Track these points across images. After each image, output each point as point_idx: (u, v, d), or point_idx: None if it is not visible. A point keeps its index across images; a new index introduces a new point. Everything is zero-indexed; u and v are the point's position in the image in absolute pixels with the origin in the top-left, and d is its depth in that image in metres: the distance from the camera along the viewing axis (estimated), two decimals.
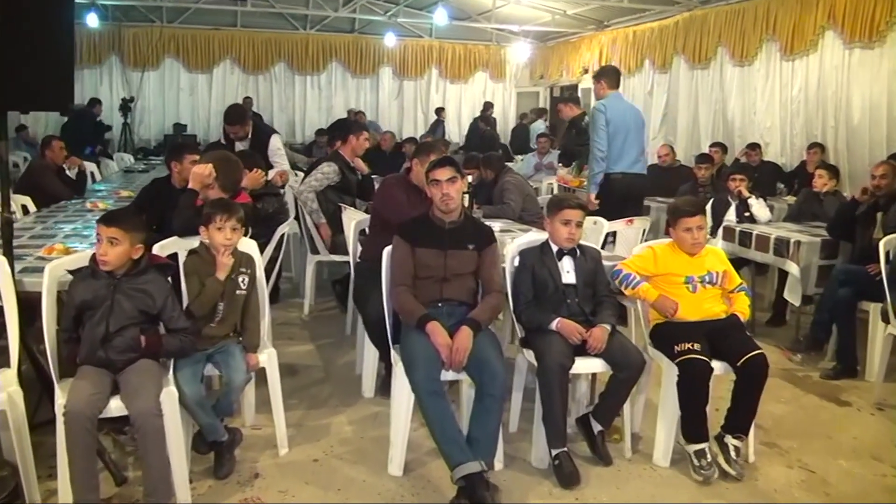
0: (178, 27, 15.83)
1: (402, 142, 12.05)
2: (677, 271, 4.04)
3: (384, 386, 4.64)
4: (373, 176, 8.19)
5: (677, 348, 3.76)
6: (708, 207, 6.89)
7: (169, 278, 3.59)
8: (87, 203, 6.40)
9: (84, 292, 3.33)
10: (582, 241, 4.10)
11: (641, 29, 13.61)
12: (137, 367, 3.29)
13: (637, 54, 13.71)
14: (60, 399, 3.15)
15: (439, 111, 16.82)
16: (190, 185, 4.30)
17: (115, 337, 3.29)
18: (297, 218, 7.11)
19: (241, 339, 3.76)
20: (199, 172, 4.27)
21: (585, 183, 7.54)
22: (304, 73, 16.89)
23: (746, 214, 6.67)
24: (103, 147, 13.44)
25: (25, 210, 6.36)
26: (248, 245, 3.97)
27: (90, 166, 10.33)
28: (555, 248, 4.02)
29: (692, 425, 3.80)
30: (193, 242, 3.94)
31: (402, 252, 3.85)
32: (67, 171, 7.51)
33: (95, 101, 13.66)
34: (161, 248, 3.94)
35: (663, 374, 3.93)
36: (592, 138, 6.96)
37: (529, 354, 3.89)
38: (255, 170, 5.23)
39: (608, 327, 3.82)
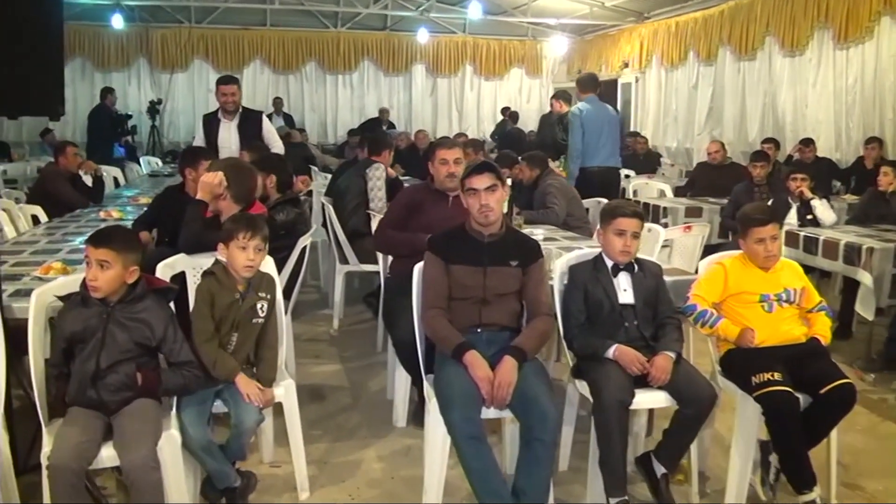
0: (206, 27, 15.53)
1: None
2: (750, 289, 3.53)
3: (417, 414, 4.21)
4: (405, 178, 7.79)
5: (755, 380, 3.24)
6: None
7: (171, 303, 3.16)
8: (101, 212, 6.01)
9: (74, 322, 2.92)
10: (639, 255, 3.61)
11: (684, 20, 13.03)
12: (133, 410, 2.87)
13: (680, 46, 13.13)
14: (46, 446, 2.74)
15: (505, 111, 16.27)
16: (198, 195, 3.87)
17: (108, 374, 2.87)
18: (324, 225, 6.71)
19: (255, 370, 3.32)
20: (209, 181, 3.84)
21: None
22: (336, 73, 16.51)
23: (809, 217, 6.13)
24: (129, 139, 13.01)
25: (36, 220, 5.99)
26: (267, 264, 3.52)
27: (113, 171, 10.04)
28: (609, 264, 3.53)
29: (796, 470, 3.28)
30: (201, 261, 3.52)
31: (435, 270, 3.39)
32: (84, 177, 7.13)
33: (106, 92, 13.05)
34: (165, 268, 3.52)
35: (737, 407, 3.43)
36: (570, 138, 7.78)
37: (583, 387, 3.40)
38: (300, 176, 4.94)
39: (672, 355, 3.32)
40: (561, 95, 9.01)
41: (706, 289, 3.60)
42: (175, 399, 3.07)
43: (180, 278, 3.61)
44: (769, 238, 3.52)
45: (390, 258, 4.62)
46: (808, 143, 9.46)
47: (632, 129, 14.32)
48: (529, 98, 17.41)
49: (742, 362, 3.40)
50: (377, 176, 6.24)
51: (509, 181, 6.15)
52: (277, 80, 16.21)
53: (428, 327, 3.34)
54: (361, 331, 6.21)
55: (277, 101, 15.15)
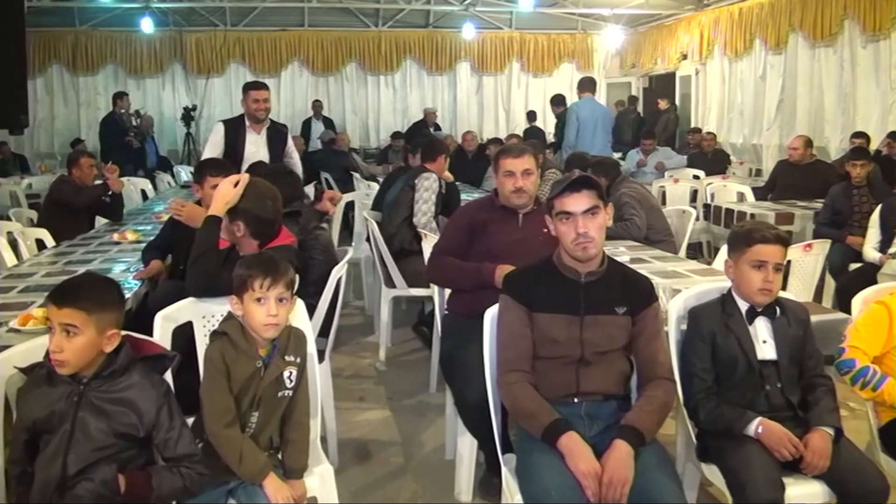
0: (242, 30, 14.88)
1: (487, 143, 10.71)
2: None
3: (486, 483, 3.40)
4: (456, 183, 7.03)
5: None
6: (875, 216, 5.52)
7: (168, 374, 2.39)
8: (115, 234, 5.28)
9: (36, 406, 2.17)
10: (782, 293, 2.76)
11: (749, 5, 12.03)
12: None
13: (745, 34, 12.13)
14: None
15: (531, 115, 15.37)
16: (211, 211, 3.07)
17: (79, 480, 2.11)
18: (368, 239, 5.93)
19: (279, 457, 2.53)
20: (225, 192, 3.07)
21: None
22: (377, 73, 15.76)
23: None
24: (132, 140, 11.93)
25: (41, 246, 5.28)
26: (296, 312, 2.74)
27: (142, 182, 9.39)
28: (743, 306, 2.69)
29: None
30: (215, 307, 2.76)
31: (515, 319, 2.58)
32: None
33: (117, 97, 12.22)
34: (166, 320, 2.75)
35: None
36: (565, 131, 9.12)
37: (713, 473, 2.57)
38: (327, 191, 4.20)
39: (831, 432, 2.48)
40: (555, 100, 11.02)
41: (867, 338, 2.74)
42: None
43: (185, 335, 2.83)
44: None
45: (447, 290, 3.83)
46: None
47: (692, 125, 13.47)
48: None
49: None
50: (426, 186, 5.46)
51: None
52: (317, 82, 15.51)
53: (508, 398, 2.54)
54: (412, 363, 5.42)
55: (317, 105, 14.45)
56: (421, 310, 5.93)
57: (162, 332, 2.69)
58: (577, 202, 2.53)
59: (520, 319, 2.56)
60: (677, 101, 14.28)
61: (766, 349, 2.63)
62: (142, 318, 2.89)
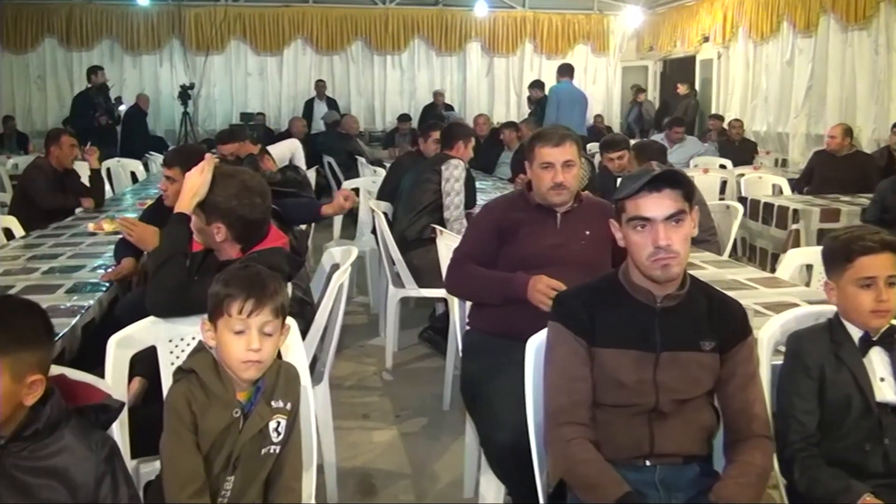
0: (243, 5, 14.28)
1: (501, 127, 10.09)
2: None
3: None
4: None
5: None
6: None
7: (114, 427, 1.82)
8: (90, 224, 4.69)
9: None
10: None
11: None
12: None
13: (771, 16, 11.52)
14: None
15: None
16: (178, 208, 2.50)
17: None
18: (373, 231, 5.35)
19: None
20: (192, 184, 2.49)
21: None
22: (384, 52, 15.11)
23: None
24: (101, 119, 10.95)
25: (9, 235, 4.70)
26: (289, 342, 2.16)
27: (132, 164, 8.80)
28: (855, 333, 2.12)
29: None
30: (185, 328, 2.19)
31: (570, 355, 2.00)
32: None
33: (91, 72, 11.25)
34: (120, 346, 2.17)
35: None
36: (546, 111, 9.49)
37: None
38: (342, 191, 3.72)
39: None
40: (534, 84, 11.18)
41: None
42: None
43: (148, 364, 2.25)
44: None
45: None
46: None
47: (713, 111, 12.90)
48: (595, 79, 15.82)
49: None
50: (455, 176, 4.89)
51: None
52: (321, 61, 14.87)
53: (561, 460, 1.96)
54: (422, 373, 4.85)
55: (320, 85, 13.88)
56: (432, 313, 5.36)
57: (116, 361, 2.12)
58: (657, 205, 1.93)
59: (576, 355, 1.98)
60: (697, 87, 13.70)
61: (885, 389, 2.05)
62: (106, 331, 2.32)
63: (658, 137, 9.59)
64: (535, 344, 2.15)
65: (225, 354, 1.85)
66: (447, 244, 3.81)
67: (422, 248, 4.76)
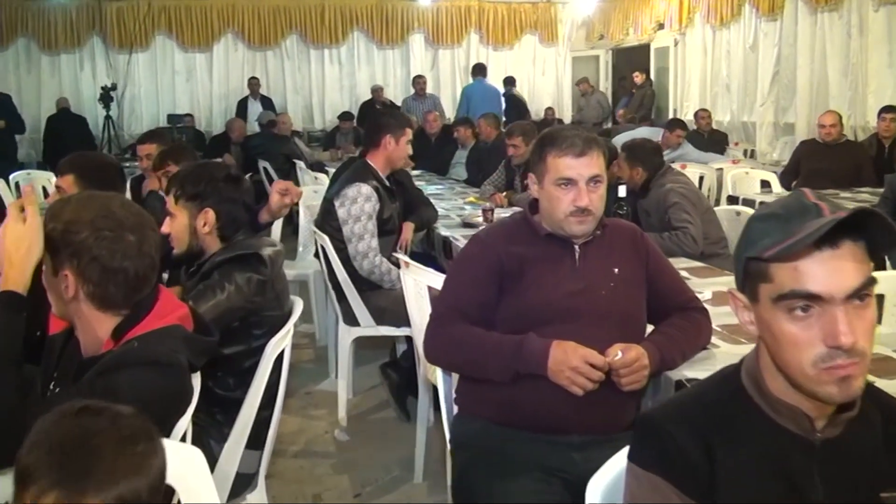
0: None
1: (453, 124, 9.28)
2: None
3: None
4: (415, 173, 5.66)
5: None
6: None
7: None
8: None
9: None
10: None
11: None
12: None
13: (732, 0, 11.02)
14: None
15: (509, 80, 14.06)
16: (6, 285, 1.58)
17: None
18: (317, 255, 4.47)
19: None
20: (16, 238, 1.58)
21: None
22: (321, 46, 14.32)
23: None
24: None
25: None
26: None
27: (45, 176, 7.78)
28: None
29: None
30: None
31: None
32: None
33: None
34: None
35: None
36: (457, 111, 10.62)
37: None
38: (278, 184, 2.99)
39: None
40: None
41: None
42: None
43: None
44: None
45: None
46: None
47: (670, 100, 12.46)
48: (545, 70, 15.22)
49: None
50: (353, 214, 3.96)
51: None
52: (253, 57, 14.06)
53: None
54: (385, 427, 4.04)
55: (253, 82, 13.01)
56: (392, 348, 4.53)
57: None
58: (838, 275, 1.11)
59: None
60: (652, 76, 13.25)
61: None
62: None
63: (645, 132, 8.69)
64: (600, 488, 1.32)
65: None
66: (415, 279, 2.99)
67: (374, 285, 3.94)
